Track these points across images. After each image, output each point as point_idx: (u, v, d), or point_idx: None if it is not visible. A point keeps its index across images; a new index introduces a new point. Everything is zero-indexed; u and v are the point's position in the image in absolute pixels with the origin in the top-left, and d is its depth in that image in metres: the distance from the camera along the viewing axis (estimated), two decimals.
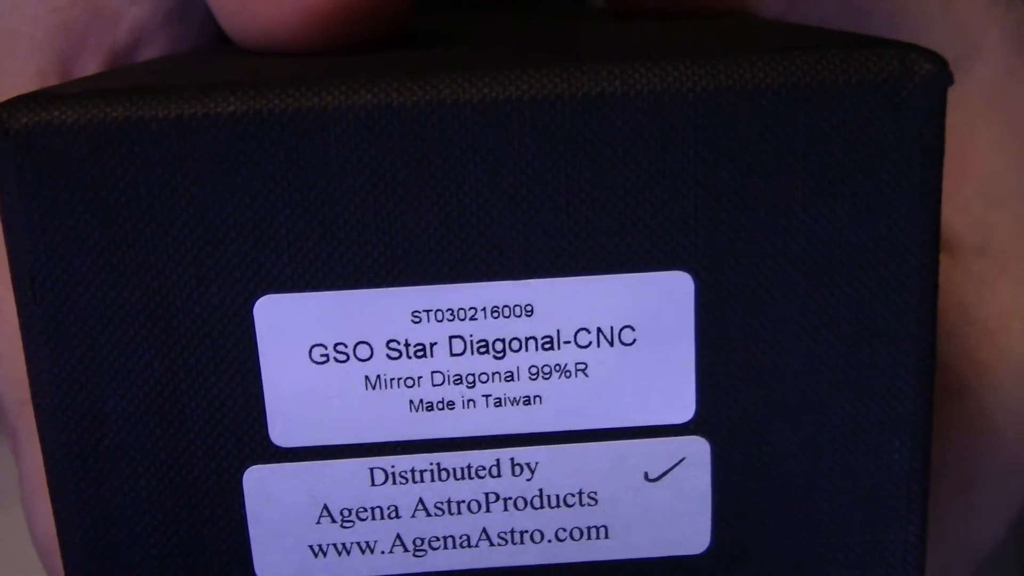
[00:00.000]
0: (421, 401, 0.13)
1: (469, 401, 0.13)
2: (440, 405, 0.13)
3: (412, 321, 0.13)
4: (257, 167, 0.12)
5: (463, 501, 0.13)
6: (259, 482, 0.13)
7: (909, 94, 0.12)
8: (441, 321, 0.13)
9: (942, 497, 0.19)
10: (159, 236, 0.12)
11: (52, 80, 0.20)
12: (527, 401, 0.13)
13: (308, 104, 0.12)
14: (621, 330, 0.13)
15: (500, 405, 0.13)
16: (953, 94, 0.20)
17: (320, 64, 0.14)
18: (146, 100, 0.12)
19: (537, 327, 0.13)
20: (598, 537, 0.14)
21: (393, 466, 0.13)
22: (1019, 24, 0.20)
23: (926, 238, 0.13)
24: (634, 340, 0.13)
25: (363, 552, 0.14)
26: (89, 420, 0.13)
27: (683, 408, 0.13)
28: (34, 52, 0.20)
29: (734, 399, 0.13)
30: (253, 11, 0.16)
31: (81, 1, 0.20)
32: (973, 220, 0.20)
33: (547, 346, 0.13)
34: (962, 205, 0.20)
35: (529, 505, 0.13)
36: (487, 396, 0.13)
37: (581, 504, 0.14)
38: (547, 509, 0.13)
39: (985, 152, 0.20)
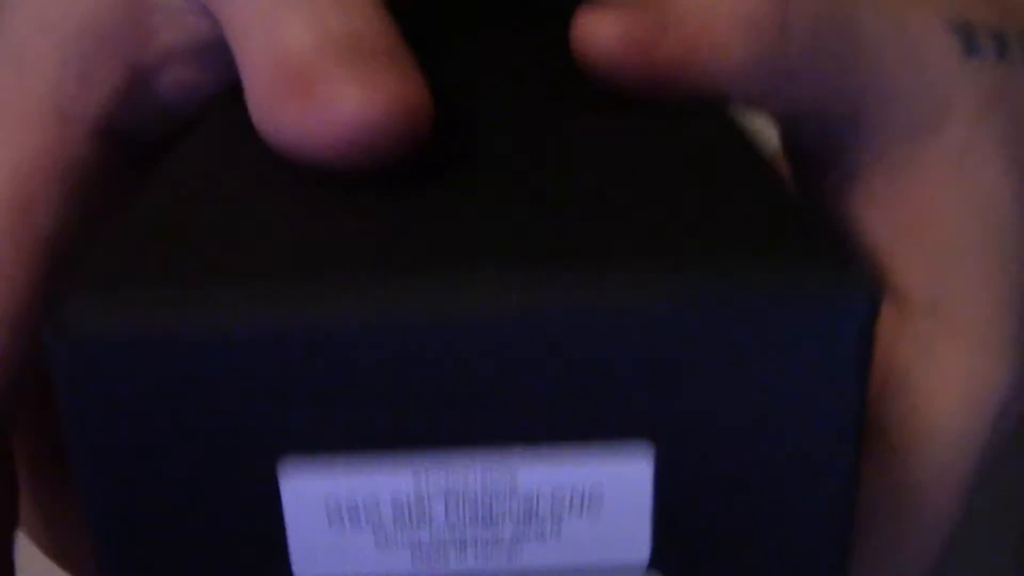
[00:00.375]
0: (422, 553, 0.15)
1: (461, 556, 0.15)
2: (437, 558, 0.15)
3: (414, 486, 0.15)
4: (276, 385, 0.14)
5: None
6: None
7: (840, 317, 0.14)
8: (438, 488, 0.15)
9: (873, 548, 0.20)
10: (195, 428, 0.14)
11: (70, 73, 0.20)
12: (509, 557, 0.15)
13: (325, 327, 0.14)
14: (589, 495, 0.15)
15: (488, 558, 0.15)
16: (919, 156, 0.21)
17: (336, 200, 0.16)
18: (186, 319, 0.14)
19: (518, 494, 0.15)
20: None
21: None
22: (988, 89, 0.21)
23: (845, 446, 0.15)
24: (600, 503, 0.15)
25: None
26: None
27: (640, 551, 0.16)
28: (58, 44, 0.20)
29: (687, 541, 0.16)
30: (280, 122, 0.17)
31: (121, 8, 0.20)
32: (926, 280, 0.20)
33: (527, 513, 0.15)
34: (916, 264, 0.21)
35: None
36: (475, 554, 0.15)
37: None
38: None
39: (943, 214, 0.21)
